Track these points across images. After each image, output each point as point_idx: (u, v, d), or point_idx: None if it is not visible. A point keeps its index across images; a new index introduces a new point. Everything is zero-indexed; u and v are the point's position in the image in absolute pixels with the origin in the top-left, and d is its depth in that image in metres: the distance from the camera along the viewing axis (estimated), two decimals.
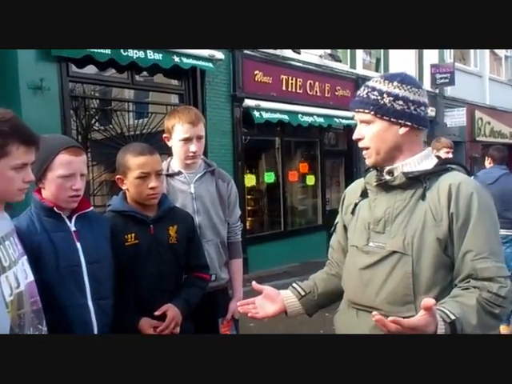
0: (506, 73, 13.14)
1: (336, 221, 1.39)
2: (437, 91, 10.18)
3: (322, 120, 7.31)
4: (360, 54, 8.44)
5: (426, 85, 9.83)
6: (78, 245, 1.39)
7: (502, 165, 3.71)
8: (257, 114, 6.42)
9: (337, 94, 7.75)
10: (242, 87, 6.35)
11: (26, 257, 1.21)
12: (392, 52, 8.90)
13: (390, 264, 1.14)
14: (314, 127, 7.36)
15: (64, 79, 4.58)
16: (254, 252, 6.25)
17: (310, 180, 7.82)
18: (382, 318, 0.94)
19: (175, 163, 1.91)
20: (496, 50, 12.37)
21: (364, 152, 1.23)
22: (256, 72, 6.53)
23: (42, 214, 1.38)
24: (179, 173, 1.89)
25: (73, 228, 1.40)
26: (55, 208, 1.37)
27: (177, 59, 5.29)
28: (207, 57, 5.63)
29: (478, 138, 11.41)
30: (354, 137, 1.24)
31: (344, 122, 7.48)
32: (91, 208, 1.48)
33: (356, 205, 1.29)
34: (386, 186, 1.20)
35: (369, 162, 1.23)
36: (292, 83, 7.05)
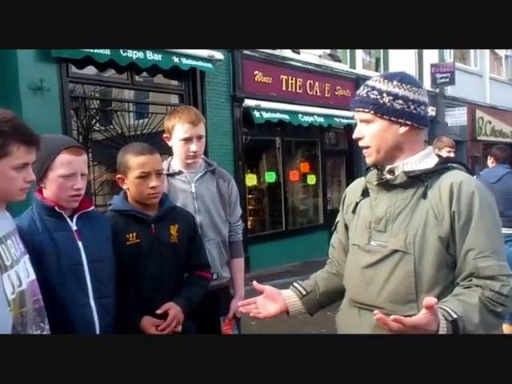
0: (507, 72, 13.14)
1: (337, 220, 1.39)
2: (437, 91, 10.18)
3: (322, 120, 7.31)
4: (360, 53, 8.44)
5: (426, 84, 9.82)
6: (80, 244, 1.39)
7: (505, 164, 3.72)
8: (257, 114, 6.42)
9: (337, 93, 7.76)
10: (242, 87, 6.35)
11: (27, 256, 1.21)
12: (392, 52, 8.90)
13: (392, 263, 1.14)
14: (315, 127, 7.37)
15: (64, 80, 4.59)
16: (256, 251, 6.25)
17: (311, 179, 7.83)
18: (383, 316, 0.94)
19: (176, 163, 1.91)
20: (496, 50, 12.37)
21: (364, 151, 1.23)
22: (256, 72, 6.53)
23: (43, 214, 1.38)
24: (180, 172, 1.89)
25: (74, 227, 1.41)
26: (56, 207, 1.38)
27: (176, 60, 5.30)
28: (206, 57, 5.63)
29: (478, 138, 11.41)
30: (354, 136, 1.24)
31: (344, 121, 7.49)
32: (92, 207, 1.48)
33: (357, 204, 1.29)
34: (387, 185, 1.20)
35: (369, 160, 1.23)
36: (292, 83, 7.05)
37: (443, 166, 1.19)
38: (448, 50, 10.36)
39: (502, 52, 12.87)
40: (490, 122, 11.83)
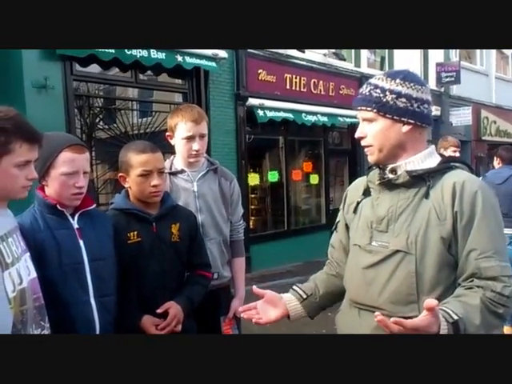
0: None
1: (337, 219, 1.38)
2: (442, 90, 10.12)
3: (325, 119, 7.29)
4: (364, 52, 8.41)
5: (432, 83, 9.77)
6: (81, 242, 1.39)
7: (511, 165, 3.70)
8: (260, 112, 6.41)
9: (341, 92, 7.73)
10: (246, 86, 6.34)
11: (28, 254, 1.21)
12: (397, 50, 8.85)
13: (394, 263, 1.13)
14: (318, 126, 7.35)
15: (68, 78, 4.60)
16: (258, 251, 6.25)
17: (314, 179, 7.81)
18: (384, 318, 0.94)
19: (178, 161, 1.91)
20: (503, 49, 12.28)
21: (366, 149, 1.22)
22: (260, 71, 6.52)
23: (45, 212, 1.38)
24: (182, 171, 1.89)
25: (76, 225, 1.41)
26: (58, 205, 1.38)
27: (180, 58, 5.30)
28: (210, 56, 5.63)
29: (483, 138, 11.34)
30: (357, 135, 1.23)
31: (348, 120, 7.46)
32: (94, 206, 1.48)
33: (358, 203, 1.28)
34: (389, 185, 1.19)
35: (371, 159, 1.22)
36: (296, 82, 7.03)
37: (446, 165, 1.18)
38: (454, 49, 10.30)
39: (508, 51, 12.77)
40: (495, 122, 11.75)
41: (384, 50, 8.82)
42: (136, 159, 1.57)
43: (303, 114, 6.94)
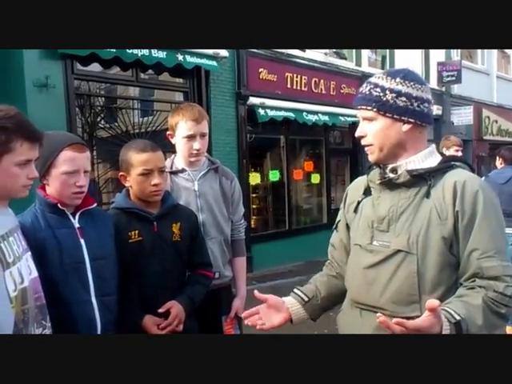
0: None
1: (338, 219, 1.38)
2: (443, 89, 10.10)
3: (326, 118, 7.29)
4: (365, 51, 8.40)
5: (433, 83, 9.75)
6: (82, 241, 1.39)
7: None
8: (261, 111, 6.41)
9: (342, 91, 7.72)
10: (247, 85, 6.34)
11: (29, 253, 1.21)
12: (398, 49, 8.84)
13: (395, 263, 1.13)
14: (319, 125, 7.34)
15: (69, 77, 4.60)
16: (259, 250, 6.25)
17: (315, 178, 7.80)
18: (386, 319, 0.93)
19: (179, 161, 1.91)
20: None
21: (366, 148, 1.22)
22: (261, 70, 6.52)
23: (46, 211, 1.38)
24: (183, 170, 1.89)
25: (77, 225, 1.41)
26: (59, 204, 1.38)
27: (180, 58, 5.29)
28: (211, 54, 5.62)
29: (485, 137, 11.32)
30: (357, 134, 1.23)
31: (349, 119, 7.46)
32: (95, 205, 1.48)
33: (359, 203, 1.27)
34: (389, 184, 1.19)
35: (371, 158, 1.22)
36: (297, 81, 7.03)
37: (447, 164, 1.18)
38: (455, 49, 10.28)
39: (509, 50, 12.74)
40: (496, 122, 11.73)
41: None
42: (137, 158, 1.57)
43: (304, 113, 6.94)
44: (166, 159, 1.79)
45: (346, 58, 7.95)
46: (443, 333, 0.96)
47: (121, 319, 1.46)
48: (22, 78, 4.24)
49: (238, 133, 6.32)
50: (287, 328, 1.33)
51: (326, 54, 7.47)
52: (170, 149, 1.97)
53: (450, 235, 1.10)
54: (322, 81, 7.40)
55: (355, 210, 1.28)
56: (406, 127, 1.17)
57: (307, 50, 7.06)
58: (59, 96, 4.49)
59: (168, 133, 1.91)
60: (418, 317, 0.98)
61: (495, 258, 1.07)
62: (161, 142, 2.09)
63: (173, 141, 1.90)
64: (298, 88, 7.06)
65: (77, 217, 1.42)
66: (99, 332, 1.38)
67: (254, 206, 7.03)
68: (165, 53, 5.11)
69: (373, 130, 1.19)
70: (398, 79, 1.16)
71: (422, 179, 1.15)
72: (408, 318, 0.99)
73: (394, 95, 1.15)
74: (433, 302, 0.93)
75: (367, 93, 1.18)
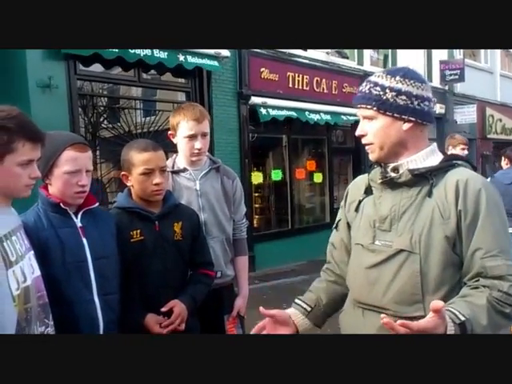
0: None
1: (338, 218, 1.37)
2: (446, 88, 10.06)
3: (328, 117, 7.28)
4: (367, 50, 8.38)
5: (436, 81, 9.72)
6: (84, 240, 1.40)
7: None
8: (263, 111, 6.41)
9: (344, 90, 7.71)
10: (249, 84, 6.34)
11: (32, 252, 1.22)
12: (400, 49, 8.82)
13: (398, 263, 1.13)
14: (321, 124, 7.33)
15: (72, 77, 4.62)
16: (261, 250, 6.25)
17: (318, 178, 7.80)
18: (390, 321, 0.93)
19: (180, 160, 1.92)
20: None
21: (367, 147, 1.22)
22: (262, 69, 6.52)
23: (48, 210, 1.39)
24: (184, 170, 1.89)
25: (79, 224, 1.41)
26: (61, 204, 1.38)
27: (182, 58, 5.30)
28: (213, 54, 5.63)
29: (489, 136, 11.27)
30: (357, 133, 1.23)
31: (351, 119, 7.44)
32: (97, 204, 1.49)
33: (360, 202, 1.27)
34: (391, 184, 1.18)
35: (372, 157, 1.22)
36: (299, 80, 7.02)
37: (448, 163, 1.17)
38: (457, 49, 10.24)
39: None
40: (500, 120, 11.67)
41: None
42: (138, 158, 1.58)
43: (306, 113, 6.93)
44: (167, 159, 1.80)
45: (347, 57, 7.94)
46: (448, 333, 0.96)
47: (123, 318, 1.46)
48: (25, 79, 4.27)
49: (240, 132, 6.32)
50: None
51: (327, 53, 7.46)
52: (171, 148, 1.97)
53: (452, 234, 1.09)
54: (323, 80, 7.39)
55: (356, 209, 1.27)
56: (406, 126, 1.16)
57: (309, 50, 7.05)
58: (62, 96, 4.51)
59: (169, 132, 1.92)
60: (421, 316, 0.98)
61: (499, 257, 1.06)
62: (163, 141, 2.10)
63: (174, 140, 1.91)
64: (300, 87, 7.05)
65: (79, 216, 1.42)
66: (102, 331, 1.39)
67: (257, 206, 7.03)
68: (166, 53, 5.13)
69: (373, 129, 1.18)
70: (397, 78, 1.16)
71: (424, 178, 1.14)
72: (411, 318, 0.99)
73: (393, 94, 1.15)
74: (437, 302, 0.92)
75: (367, 91, 1.18)
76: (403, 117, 1.16)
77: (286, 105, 6.65)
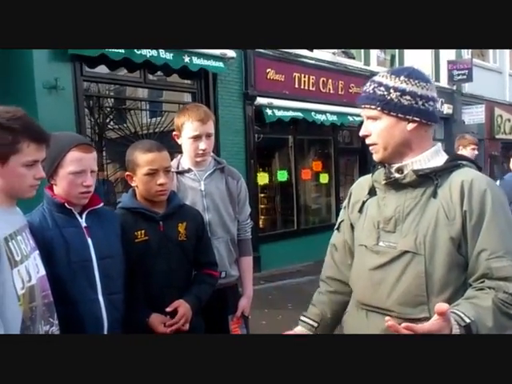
0: None
1: (340, 219, 1.36)
2: (454, 88, 9.98)
3: (335, 118, 7.25)
4: (374, 50, 8.34)
5: (443, 81, 9.64)
6: (89, 240, 1.41)
7: None
8: (269, 112, 6.41)
9: (350, 91, 7.67)
10: (254, 85, 6.34)
11: (37, 251, 1.23)
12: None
13: (402, 264, 1.12)
14: (328, 125, 7.31)
15: (78, 79, 4.66)
16: (267, 250, 6.24)
17: (324, 178, 7.77)
18: (395, 323, 0.92)
19: (185, 161, 1.92)
20: None
21: (371, 148, 1.21)
22: (268, 70, 6.52)
23: (53, 210, 1.40)
24: (189, 170, 1.90)
25: (84, 224, 1.42)
26: (66, 204, 1.39)
27: (187, 59, 5.31)
28: (219, 55, 5.64)
29: (497, 136, 11.16)
30: (361, 133, 1.22)
31: (358, 119, 7.40)
32: (102, 204, 1.50)
33: (364, 203, 1.26)
34: (395, 184, 1.17)
35: (376, 157, 1.21)
36: (305, 81, 7.01)
37: (453, 163, 1.16)
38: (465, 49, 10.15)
39: None
40: (509, 120, 11.55)
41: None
42: (142, 158, 1.59)
43: (312, 113, 6.91)
44: (172, 159, 1.80)
45: (354, 58, 7.90)
46: None
47: (127, 318, 1.47)
48: (31, 80, 4.31)
49: (246, 133, 6.32)
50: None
51: (334, 53, 7.44)
52: (177, 149, 1.98)
53: (458, 235, 1.08)
54: (330, 80, 7.37)
55: (360, 210, 1.27)
56: (410, 126, 1.15)
57: (315, 50, 7.04)
58: (68, 97, 4.55)
59: (174, 133, 1.92)
60: (425, 318, 0.98)
61: (505, 258, 1.05)
62: (169, 142, 2.11)
63: (179, 141, 1.91)
64: (306, 88, 7.04)
65: (84, 216, 1.43)
66: (106, 330, 1.39)
67: (263, 206, 7.03)
68: (172, 54, 5.15)
69: (377, 129, 1.18)
70: (402, 77, 1.15)
71: (429, 179, 1.14)
72: (416, 320, 0.98)
73: (398, 94, 1.14)
74: (442, 305, 0.91)
75: (371, 92, 1.17)
76: (407, 117, 1.15)
77: (292, 105, 6.64)
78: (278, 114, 6.48)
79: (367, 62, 8.16)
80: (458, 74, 9.62)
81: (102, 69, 4.91)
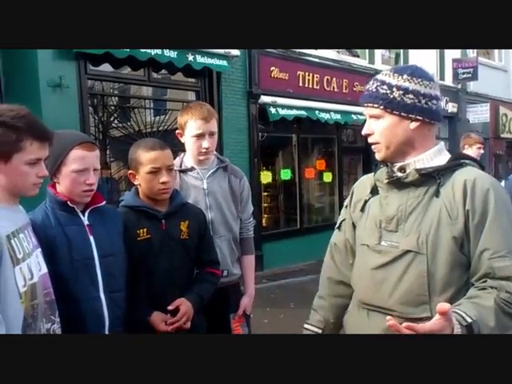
0: None
1: (341, 218, 1.35)
2: (459, 86, 9.92)
3: (339, 116, 7.23)
4: None
5: (448, 80, 9.58)
6: (91, 238, 1.41)
7: None
8: (273, 110, 6.40)
9: (355, 89, 7.64)
10: (258, 84, 6.34)
11: (40, 249, 1.24)
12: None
13: (404, 263, 1.12)
14: (331, 124, 7.29)
15: (82, 77, 4.67)
16: (270, 249, 6.25)
17: (327, 177, 7.76)
18: (396, 323, 0.92)
19: (188, 159, 1.92)
20: None
21: (373, 147, 1.21)
22: (272, 68, 6.50)
23: (56, 208, 1.40)
24: (192, 169, 1.90)
25: (86, 222, 1.43)
26: (69, 202, 1.40)
27: (191, 58, 5.31)
28: (223, 54, 5.63)
29: (502, 135, 11.08)
30: (364, 132, 1.22)
31: (362, 118, 7.33)
32: (104, 202, 1.50)
33: (366, 202, 1.26)
34: (397, 183, 1.17)
35: (378, 156, 1.20)
36: (309, 79, 6.99)
37: (456, 162, 1.15)
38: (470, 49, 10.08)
39: None
40: None
41: None
42: (145, 156, 1.59)
43: (316, 112, 6.90)
44: (175, 158, 1.80)
45: (358, 56, 7.87)
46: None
47: (129, 316, 1.47)
48: (36, 79, 4.33)
49: (250, 131, 6.32)
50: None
51: (338, 51, 7.42)
52: (180, 147, 1.98)
53: (460, 235, 1.08)
54: (334, 79, 7.35)
55: (362, 209, 1.26)
56: (413, 125, 1.15)
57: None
58: (73, 96, 4.56)
59: (177, 131, 1.93)
60: (427, 318, 0.97)
61: (507, 257, 1.04)
62: (173, 140, 2.11)
63: (182, 140, 1.91)
64: (310, 86, 7.02)
65: (86, 214, 1.44)
66: (107, 328, 1.40)
67: (266, 205, 7.03)
68: (175, 53, 5.15)
69: (380, 128, 1.17)
70: (405, 76, 1.15)
71: (431, 178, 1.13)
72: (417, 320, 0.98)
73: (401, 92, 1.13)
74: (443, 305, 0.91)
75: (374, 90, 1.17)
76: (410, 116, 1.14)
77: (296, 104, 6.63)
78: (282, 112, 6.47)
79: (372, 61, 8.12)
80: (463, 73, 9.56)
81: (107, 67, 4.92)
